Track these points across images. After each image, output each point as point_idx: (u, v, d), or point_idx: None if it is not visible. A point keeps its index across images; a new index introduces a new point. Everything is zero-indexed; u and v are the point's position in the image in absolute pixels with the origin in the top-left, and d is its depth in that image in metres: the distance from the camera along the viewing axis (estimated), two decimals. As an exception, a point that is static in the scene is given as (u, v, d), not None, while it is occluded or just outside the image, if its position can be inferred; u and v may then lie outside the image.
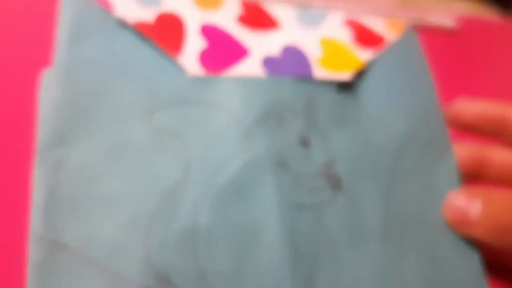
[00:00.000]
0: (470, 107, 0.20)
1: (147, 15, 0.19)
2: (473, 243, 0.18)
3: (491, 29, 0.28)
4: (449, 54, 0.25)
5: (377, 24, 0.23)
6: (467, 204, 0.18)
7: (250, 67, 0.18)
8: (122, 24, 0.18)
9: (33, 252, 0.14)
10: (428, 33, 0.25)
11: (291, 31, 0.21)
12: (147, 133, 0.17)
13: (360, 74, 0.20)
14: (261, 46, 0.20)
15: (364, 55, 0.21)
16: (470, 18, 0.30)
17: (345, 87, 0.20)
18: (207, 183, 0.16)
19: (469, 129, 0.21)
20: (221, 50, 0.19)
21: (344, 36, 0.21)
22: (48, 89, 0.16)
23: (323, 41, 0.21)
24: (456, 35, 0.30)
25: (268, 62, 0.19)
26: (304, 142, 0.18)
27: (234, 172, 0.17)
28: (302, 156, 0.18)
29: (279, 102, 0.18)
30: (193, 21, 0.19)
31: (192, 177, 0.16)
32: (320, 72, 0.19)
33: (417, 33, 0.23)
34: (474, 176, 0.20)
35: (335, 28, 0.22)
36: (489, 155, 0.20)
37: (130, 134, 0.16)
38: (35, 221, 0.15)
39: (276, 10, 0.22)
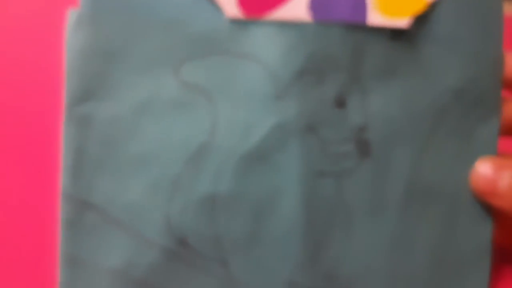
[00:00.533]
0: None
1: None
2: (496, 214, 0.18)
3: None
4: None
5: None
6: (495, 174, 0.18)
7: (295, 9, 0.17)
8: None
9: (63, 209, 0.16)
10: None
11: None
12: (175, 88, 0.16)
13: (422, 16, 0.18)
14: None
15: None
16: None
17: (401, 32, 0.18)
18: (232, 148, 0.16)
19: (509, 87, 0.19)
20: None
21: None
22: (74, 33, 0.16)
23: None
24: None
25: (318, 2, 0.17)
26: (340, 103, 0.17)
27: (260, 137, 0.17)
28: (335, 119, 0.17)
29: (322, 55, 0.17)
30: None
31: (217, 141, 0.16)
32: (376, 16, 0.17)
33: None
34: None
35: None
36: None
37: (158, 88, 0.16)
38: (64, 180, 0.16)
39: None
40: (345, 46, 0.17)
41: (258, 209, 0.17)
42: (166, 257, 0.16)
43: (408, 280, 0.18)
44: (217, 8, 0.16)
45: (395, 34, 0.18)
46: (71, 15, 0.16)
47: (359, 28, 0.17)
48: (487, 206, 0.18)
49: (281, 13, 0.16)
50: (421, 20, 0.18)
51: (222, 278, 0.17)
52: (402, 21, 0.17)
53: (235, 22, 0.16)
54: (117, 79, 0.16)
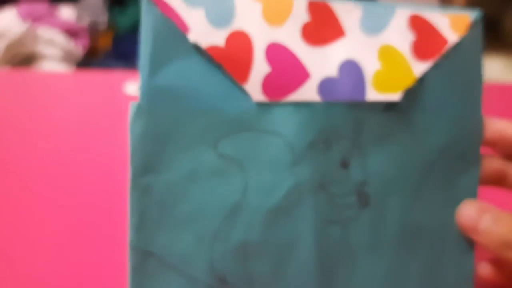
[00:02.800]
0: (493, 125, 0.21)
1: (219, 37, 0.19)
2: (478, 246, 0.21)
3: None
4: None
5: (442, 22, 0.21)
6: (478, 215, 0.20)
7: (308, 92, 0.20)
8: (196, 48, 0.19)
9: (130, 258, 0.19)
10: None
11: (353, 39, 0.21)
12: (214, 159, 0.19)
13: (412, 88, 0.20)
14: (322, 63, 0.20)
15: (420, 68, 0.21)
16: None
17: (394, 104, 0.21)
18: (259, 205, 0.20)
19: (488, 145, 0.22)
20: (284, 75, 0.20)
21: (406, 42, 0.21)
22: (135, 121, 0.19)
23: (383, 51, 0.21)
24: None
25: (326, 85, 0.20)
26: (344, 164, 0.20)
27: (281, 195, 0.20)
28: (340, 177, 0.20)
29: (329, 128, 0.20)
30: (262, 38, 0.20)
31: (248, 200, 0.20)
32: (372, 93, 0.20)
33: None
34: (493, 184, 0.22)
35: (399, 30, 0.21)
36: (509, 169, 0.22)
37: (201, 160, 0.19)
38: (131, 235, 0.19)
39: (342, 10, 0.21)
40: (347, 120, 0.20)
41: (281, 253, 0.20)
42: None
43: None
44: (246, 95, 0.19)
45: (389, 105, 0.21)
46: (132, 107, 0.19)
47: (359, 104, 0.20)
48: (470, 242, 0.21)
49: (296, 96, 0.20)
50: (411, 92, 0.21)
51: None
52: (395, 95, 0.20)
53: (260, 105, 0.20)
54: (169, 155, 0.19)
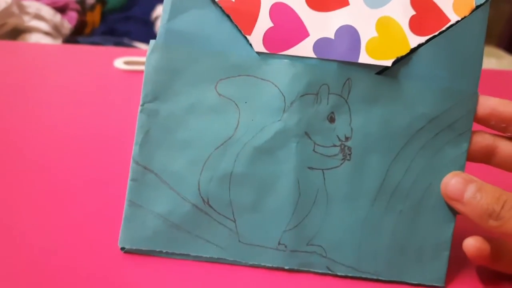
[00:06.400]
0: (483, 102, 0.22)
1: None
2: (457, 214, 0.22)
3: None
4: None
5: (446, 2, 0.22)
6: (464, 186, 0.21)
7: (304, 48, 0.22)
8: (211, 0, 0.22)
9: (131, 171, 0.22)
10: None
11: (355, 10, 0.22)
12: (214, 97, 0.22)
13: (405, 58, 0.22)
14: (322, 26, 0.22)
15: (415, 41, 0.22)
16: None
17: (386, 69, 0.22)
18: (248, 142, 0.22)
19: (480, 122, 0.22)
20: (285, 31, 0.22)
21: (405, 16, 0.22)
22: (151, 55, 0.22)
23: (381, 23, 0.22)
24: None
25: (322, 43, 0.22)
26: (331, 118, 0.22)
27: (269, 136, 0.22)
28: (326, 129, 0.22)
29: (320, 83, 0.22)
30: (267, 0, 0.22)
31: (238, 136, 0.22)
32: (365, 57, 0.22)
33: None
34: (482, 160, 0.23)
35: (399, 7, 0.22)
36: (499, 145, 0.22)
37: (202, 96, 0.22)
38: (134, 151, 0.22)
39: None
40: (338, 78, 0.22)
41: (261, 187, 0.22)
42: (194, 210, 0.22)
43: (372, 255, 0.22)
44: (249, 45, 0.22)
45: (380, 70, 0.22)
46: (150, 43, 0.22)
47: (351, 64, 0.22)
48: (452, 211, 0.22)
49: (293, 51, 0.22)
50: (404, 60, 0.22)
51: (232, 230, 0.22)
52: (387, 62, 0.22)
53: (260, 54, 0.22)
54: (176, 88, 0.22)
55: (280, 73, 0.22)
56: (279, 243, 0.22)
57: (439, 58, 0.22)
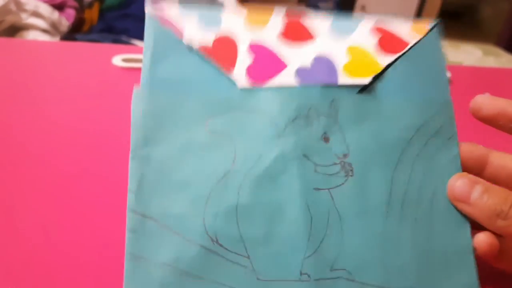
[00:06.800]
0: (494, 102, 0.22)
1: (208, 38, 0.23)
2: (468, 219, 0.22)
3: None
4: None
5: (403, 29, 0.25)
6: (470, 187, 0.21)
7: (286, 77, 0.23)
8: (190, 47, 0.23)
9: (129, 221, 0.20)
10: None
11: (323, 42, 0.24)
12: (205, 135, 0.22)
13: (381, 76, 0.23)
14: (297, 58, 0.23)
15: (385, 60, 0.24)
16: (464, 67, 0.35)
17: (365, 88, 0.23)
18: (248, 172, 0.22)
19: (488, 122, 0.23)
20: (264, 65, 0.23)
21: (370, 43, 0.24)
22: (137, 104, 0.22)
23: (350, 49, 0.24)
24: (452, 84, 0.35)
25: (301, 72, 0.23)
26: (325, 139, 0.22)
27: (268, 163, 0.22)
28: (323, 150, 0.22)
29: (307, 106, 0.22)
30: (244, 41, 0.23)
31: (237, 168, 0.22)
32: (344, 78, 0.23)
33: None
34: (474, 171, 0.23)
35: (363, 35, 0.25)
36: (491, 157, 0.22)
37: (193, 136, 0.22)
38: (130, 200, 0.21)
39: (314, 22, 0.25)
40: (324, 99, 0.23)
41: (270, 216, 0.21)
42: (204, 252, 0.20)
43: (400, 270, 0.21)
44: (232, 82, 0.22)
45: (362, 88, 0.23)
46: (134, 91, 0.22)
47: (333, 87, 0.23)
48: (463, 214, 0.21)
49: (276, 81, 0.23)
50: (380, 79, 0.23)
51: (247, 267, 0.20)
52: (365, 79, 0.23)
53: (245, 89, 0.22)
54: (166, 131, 0.22)
55: (267, 103, 0.22)
56: (301, 273, 0.21)
57: (409, 73, 0.24)
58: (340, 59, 0.24)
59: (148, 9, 0.23)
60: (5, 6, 0.79)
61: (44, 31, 0.88)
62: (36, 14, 0.88)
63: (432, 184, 0.22)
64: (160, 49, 0.23)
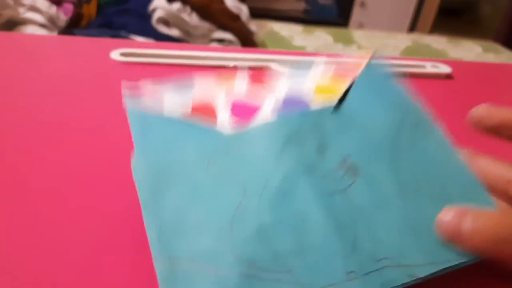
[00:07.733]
0: (495, 112, 0.22)
1: (187, 105, 0.26)
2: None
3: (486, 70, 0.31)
4: (448, 96, 0.28)
5: (351, 60, 0.29)
6: (458, 220, 0.20)
7: (265, 116, 0.26)
8: (172, 117, 0.26)
9: (157, 268, 0.20)
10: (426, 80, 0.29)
11: (287, 85, 0.28)
12: (209, 175, 0.23)
13: (344, 96, 0.26)
14: (268, 100, 0.27)
15: (343, 84, 0.27)
16: (465, 62, 0.35)
17: (337, 108, 0.26)
18: (261, 196, 0.22)
19: (492, 133, 0.22)
20: (242, 112, 0.26)
21: (328, 73, 0.29)
22: (136, 169, 0.23)
23: (313, 80, 0.28)
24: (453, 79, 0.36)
25: (277, 109, 0.26)
26: (321, 151, 0.24)
27: (277, 183, 0.23)
28: (322, 161, 0.23)
29: (294, 130, 0.25)
30: (219, 100, 0.27)
31: (250, 196, 0.22)
32: (317, 101, 0.26)
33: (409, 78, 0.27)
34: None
35: (320, 69, 0.29)
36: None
37: (198, 179, 0.23)
38: (153, 248, 0.21)
39: (274, 72, 0.30)
40: (306, 123, 0.25)
41: (296, 228, 0.21)
42: (243, 279, 0.20)
43: (437, 245, 0.21)
44: (219, 130, 0.25)
45: (334, 108, 0.26)
46: (132, 160, 0.23)
47: (309, 111, 0.25)
48: (479, 181, 0.22)
49: (259, 119, 0.26)
50: (347, 97, 0.26)
51: (291, 282, 0.20)
52: (337, 96, 0.26)
53: (233, 131, 0.25)
54: (171, 182, 0.23)
55: (257, 137, 0.24)
56: (347, 273, 0.20)
57: (370, 87, 0.27)
58: (307, 90, 0.27)
59: (125, 91, 0.26)
60: (2, 0, 0.79)
61: (42, 26, 0.88)
62: (33, 8, 0.87)
63: (432, 164, 0.24)
64: (145, 127, 0.25)
